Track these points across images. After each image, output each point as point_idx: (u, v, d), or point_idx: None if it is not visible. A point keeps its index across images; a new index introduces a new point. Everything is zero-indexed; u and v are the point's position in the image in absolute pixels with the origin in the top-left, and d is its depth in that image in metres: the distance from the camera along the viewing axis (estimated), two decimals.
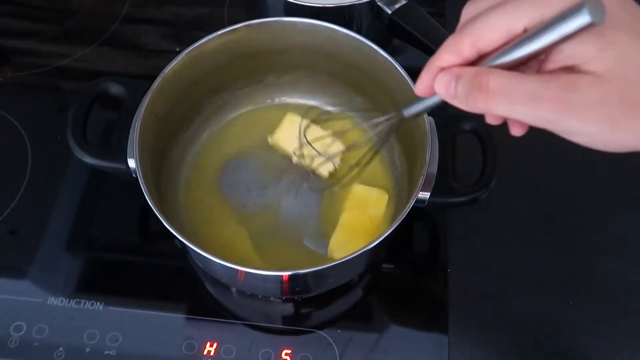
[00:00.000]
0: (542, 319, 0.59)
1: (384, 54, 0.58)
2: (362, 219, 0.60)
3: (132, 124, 0.55)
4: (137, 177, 0.52)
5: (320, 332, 0.57)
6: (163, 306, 0.58)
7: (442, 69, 0.36)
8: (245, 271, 0.49)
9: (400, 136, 0.63)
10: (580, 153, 0.69)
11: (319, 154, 0.58)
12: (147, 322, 0.58)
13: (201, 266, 0.59)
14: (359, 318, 0.59)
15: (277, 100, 0.69)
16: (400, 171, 0.63)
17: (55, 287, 0.59)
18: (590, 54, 0.32)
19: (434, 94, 0.38)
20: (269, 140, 0.64)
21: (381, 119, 0.47)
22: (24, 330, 0.57)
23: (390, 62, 0.58)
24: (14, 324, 0.57)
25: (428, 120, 0.54)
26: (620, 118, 0.32)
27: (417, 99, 0.42)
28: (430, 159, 0.53)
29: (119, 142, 0.55)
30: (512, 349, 0.58)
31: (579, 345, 0.58)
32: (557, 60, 0.33)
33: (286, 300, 0.60)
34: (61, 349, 0.56)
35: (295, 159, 0.62)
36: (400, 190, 0.62)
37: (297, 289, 0.57)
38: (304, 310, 0.60)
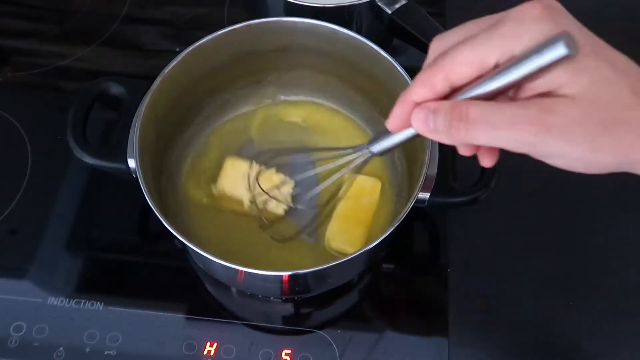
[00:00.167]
0: (542, 319, 0.59)
1: (384, 54, 0.58)
2: (357, 208, 0.60)
3: (132, 124, 0.55)
4: (137, 177, 0.52)
5: (320, 332, 0.57)
6: (163, 306, 0.58)
7: (417, 104, 0.37)
8: (245, 271, 0.49)
9: None
10: None
11: (274, 198, 0.57)
12: (147, 322, 0.58)
13: (201, 266, 0.59)
14: (359, 318, 0.59)
15: (277, 100, 0.69)
16: (400, 171, 0.63)
17: (55, 287, 0.59)
18: (563, 79, 0.33)
19: (406, 127, 0.39)
20: (213, 190, 0.61)
21: (349, 157, 0.47)
22: (24, 330, 0.57)
23: (390, 62, 0.58)
24: (14, 324, 0.57)
25: None
26: (598, 137, 0.33)
27: (386, 134, 0.42)
28: (430, 159, 0.53)
29: (119, 142, 0.55)
30: (512, 349, 0.58)
31: (579, 345, 0.58)
32: (532, 88, 0.34)
33: (286, 300, 0.60)
34: (61, 349, 0.56)
35: (246, 204, 0.60)
36: (400, 190, 0.62)
37: (297, 289, 0.57)
38: (304, 310, 0.60)
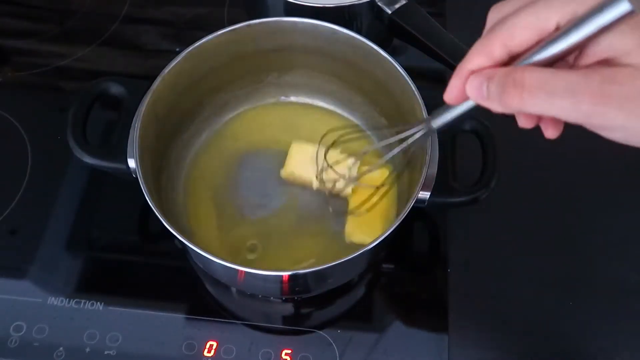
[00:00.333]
0: (542, 319, 0.59)
1: (384, 54, 0.58)
2: (373, 198, 0.60)
3: (132, 124, 0.55)
4: (137, 177, 0.52)
5: (320, 332, 0.57)
6: (163, 306, 0.58)
7: (473, 72, 0.36)
8: (245, 271, 0.49)
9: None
10: (580, 153, 0.69)
11: (341, 177, 0.57)
12: (147, 322, 0.58)
13: (201, 266, 0.59)
14: (359, 318, 0.59)
15: (277, 100, 0.69)
16: (400, 171, 0.63)
17: (55, 287, 0.59)
18: (628, 47, 0.31)
19: (465, 99, 0.37)
20: (282, 173, 0.62)
21: (407, 133, 0.45)
22: (24, 330, 0.57)
23: (390, 62, 0.58)
24: (14, 324, 0.57)
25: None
26: None
27: (444, 107, 0.41)
28: (430, 159, 0.53)
29: (119, 142, 0.55)
30: (512, 349, 0.58)
31: (579, 345, 0.58)
32: (593, 53, 0.33)
33: (286, 300, 0.60)
34: (61, 349, 0.56)
35: (316, 185, 0.60)
36: (400, 191, 0.62)
37: (297, 289, 0.57)
38: (304, 310, 0.60)
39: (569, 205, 0.65)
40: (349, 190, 0.60)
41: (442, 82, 0.71)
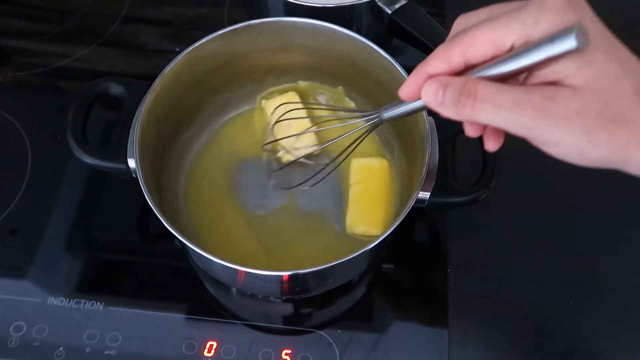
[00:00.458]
0: (542, 319, 0.59)
1: (384, 54, 0.58)
2: (370, 189, 0.61)
3: (132, 124, 0.55)
4: (137, 177, 0.52)
5: (320, 332, 0.57)
6: (163, 306, 0.58)
7: (430, 76, 0.38)
8: (245, 271, 0.49)
9: (400, 136, 0.63)
10: None
11: (283, 148, 0.59)
12: (147, 322, 0.58)
13: (201, 266, 0.59)
14: (359, 318, 0.59)
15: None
16: (400, 171, 0.63)
17: (55, 287, 0.59)
18: (570, 71, 0.34)
19: (417, 98, 0.40)
20: (262, 102, 0.65)
21: (360, 119, 0.49)
22: (24, 330, 0.57)
23: (390, 62, 0.58)
24: (14, 324, 0.57)
25: (428, 120, 0.54)
26: (595, 129, 0.34)
27: (397, 102, 0.44)
28: (430, 159, 0.53)
29: (119, 142, 0.55)
30: (512, 348, 0.58)
31: (579, 345, 0.58)
32: (541, 75, 0.35)
33: (286, 300, 0.60)
34: (61, 349, 0.56)
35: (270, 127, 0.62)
36: (400, 190, 0.62)
37: (297, 289, 0.57)
38: (304, 310, 0.60)
39: (569, 205, 0.65)
40: (285, 159, 0.62)
41: None
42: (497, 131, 0.40)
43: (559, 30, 0.33)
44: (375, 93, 0.63)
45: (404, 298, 0.61)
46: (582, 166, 0.37)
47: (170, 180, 0.62)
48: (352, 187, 0.61)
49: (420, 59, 0.63)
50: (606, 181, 0.66)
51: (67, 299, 0.59)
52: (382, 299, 0.61)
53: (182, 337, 0.57)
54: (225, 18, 0.78)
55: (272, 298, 0.60)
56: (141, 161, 0.53)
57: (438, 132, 0.55)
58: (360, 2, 0.65)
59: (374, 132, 0.66)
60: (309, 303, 0.60)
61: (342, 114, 0.61)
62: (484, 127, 0.40)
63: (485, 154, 0.56)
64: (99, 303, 0.58)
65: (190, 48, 0.58)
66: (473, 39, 0.36)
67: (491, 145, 0.41)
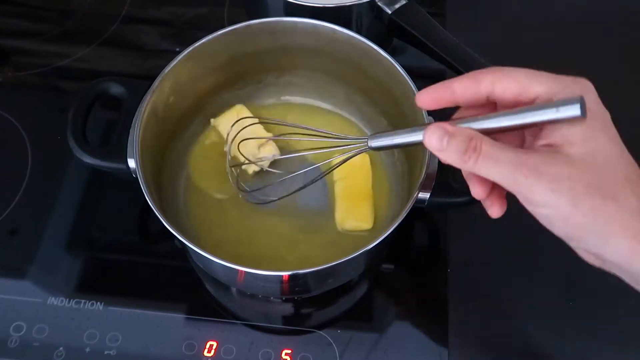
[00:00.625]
0: (542, 319, 0.59)
1: (384, 54, 0.58)
2: (354, 185, 0.61)
3: (132, 124, 0.55)
4: (137, 177, 0.52)
5: (320, 332, 0.57)
6: (163, 306, 0.58)
7: (453, 97, 0.41)
8: (245, 271, 0.49)
9: None
10: None
11: (247, 159, 0.59)
12: (147, 322, 0.58)
13: (201, 266, 0.59)
14: (359, 318, 0.59)
15: (277, 100, 0.69)
16: (400, 171, 0.63)
17: (55, 287, 0.59)
18: (575, 139, 0.37)
19: (430, 107, 0.42)
20: (212, 122, 0.65)
21: (348, 146, 0.50)
22: (24, 330, 0.57)
23: (390, 62, 0.58)
24: (14, 324, 0.57)
25: (428, 121, 0.54)
26: (582, 196, 0.36)
27: (389, 132, 0.45)
28: (430, 159, 0.53)
29: (119, 142, 0.55)
30: (512, 348, 0.58)
31: (579, 345, 0.58)
32: (545, 135, 0.38)
33: (286, 300, 0.60)
34: (61, 349, 0.56)
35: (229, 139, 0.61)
36: (400, 190, 0.62)
37: (297, 289, 0.57)
38: (304, 310, 0.60)
39: None
40: (250, 170, 0.62)
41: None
42: (501, 196, 0.43)
43: (566, 98, 0.37)
44: (375, 93, 0.63)
45: (404, 298, 0.61)
46: (563, 237, 0.40)
47: (170, 180, 0.62)
48: (336, 183, 0.61)
49: (421, 58, 0.63)
50: None
51: (67, 299, 0.59)
52: (382, 299, 0.61)
53: (182, 337, 0.57)
54: (225, 18, 0.78)
55: (272, 298, 0.60)
56: (141, 161, 0.53)
57: None
58: (360, 2, 0.65)
59: (365, 128, 0.67)
60: (309, 303, 0.60)
61: (329, 139, 0.57)
62: (490, 191, 0.43)
63: None
64: (99, 303, 0.58)
65: (190, 48, 0.58)
66: (507, 75, 0.39)
67: (495, 210, 0.44)
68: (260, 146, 0.61)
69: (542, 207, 0.38)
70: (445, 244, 0.62)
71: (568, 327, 0.59)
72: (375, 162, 0.64)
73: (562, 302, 0.60)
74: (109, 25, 0.78)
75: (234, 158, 0.61)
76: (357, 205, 0.60)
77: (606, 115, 0.39)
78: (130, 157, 0.54)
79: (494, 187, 0.42)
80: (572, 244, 0.40)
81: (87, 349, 0.56)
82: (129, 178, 0.55)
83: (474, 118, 0.41)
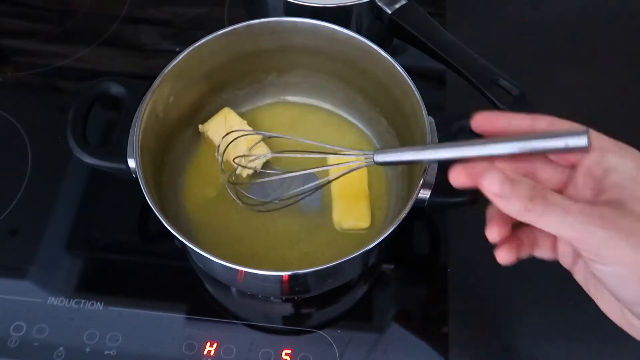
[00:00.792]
0: (542, 319, 0.59)
1: (384, 54, 0.58)
2: (351, 183, 0.61)
3: (132, 124, 0.55)
4: (137, 177, 0.52)
5: (320, 332, 0.58)
6: (163, 306, 0.58)
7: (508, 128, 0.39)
8: (245, 271, 0.49)
9: (400, 136, 0.63)
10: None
11: (238, 164, 0.59)
12: (147, 322, 0.58)
13: (201, 266, 0.59)
14: (359, 318, 0.59)
15: (277, 100, 0.69)
16: (400, 171, 0.63)
17: (55, 287, 0.59)
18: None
19: (468, 186, 0.39)
20: (200, 128, 0.64)
21: (351, 158, 0.50)
22: (24, 330, 0.57)
23: (390, 62, 0.58)
24: (14, 324, 0.57)
25: (428, 120, 0.54)
26: None
27: (394, 149, 0.45)
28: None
29: (119, 142, 0.55)
30: (512, 348, 0.58)
31: (579, 345, 0.58)
32: (609, 189, 0.36)
33: (286, 300, 0.60)
34: (61, 349, 0.56)
35: (221, 150, 0.61)
36: (400, 190, 0.62)
37: (297, 289, 0.57)
38: (304, 310, 0.60)
39: None
40: (244, 174, 0.62)
41: (442, 82, 0.72)
42: (517, 244, 0.40)
43: (573, 130, 0.36)
44: (375, 93, 0.63)
45: (404, 298, 0.61)
46: (629, 299, 0.36)
47: (170, 180, 0.62)
48: (332, 183, 0.61)
49: (421, 58, 0.63)
50: None
51: (67, 299, 0.59)
52: (382, 299, 0.61)
53: (182, 337, 0.57)
54: (225, 18, 0.78)
55: (272, 298, 0.60)
56: (141, 161, 0.53)
57: (438, 132, 0.55)
58: (360, 2, 0.65)
59: (365, 128, 0.67)
60: (309, 303, 0.60)
61: (335, 153, 0.58)
62: (506, 236, 0.40)
63: None
64: (99, 303, 0.58)
65: (190, 48, 0.58)
66: (553, 122, 0.38)
67: (505, 257, 0.40)
68: (250, 147, 0.61)
69: (615, 264, 0.35)
70: (445, 244, 0.62)
71: (568, 327, 0.59)
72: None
73: (562, 302, 0.60)
74: (109, 25, 0.78)
75: (226, 163, 0.61)
76: (354, 205, 0.60)
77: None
78: (130, 157, 0.54)
79: (512, 234, 0.40)
80: (636, 309, 0.37)
81: (87, 349, 0.56)
82: (129, 178, 0.55)
83: (476, 141, 0.40)
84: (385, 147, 0.47)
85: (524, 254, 0.41)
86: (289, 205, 0.57)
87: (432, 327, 0.58)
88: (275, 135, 0.61)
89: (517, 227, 0.41)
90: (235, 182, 0.60)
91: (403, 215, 0.50)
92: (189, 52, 0.58)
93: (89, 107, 0.57)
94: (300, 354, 0.56)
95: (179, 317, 0.58)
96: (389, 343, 0.57)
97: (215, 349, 0.56)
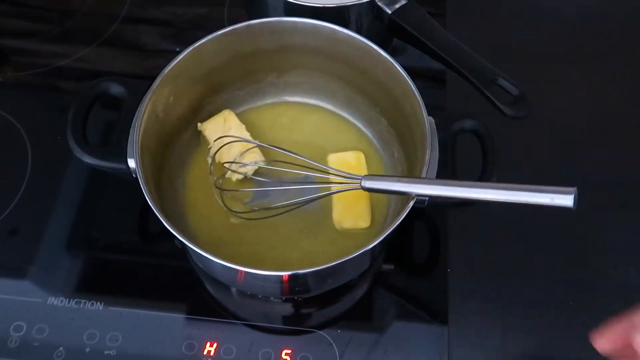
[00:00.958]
0: (542, 320, 0.59)
1: (384, 54, 0.58)
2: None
3: (132, 124, 0.55)
4: (137, 177, 0.52)
5: (320, 332, 0.57)
6: (163, 306, 0.58)
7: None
8: (245, 271, 0.49)
9: (400, 136, 0.63)
10: (580, 153, 0.69)
11: (229, 169, 0.60)
12: (147, 322, 0.58)
13: (201, 266, 0.59)
14: (359, 318, 0.59)
15: (277, 100, 0.69)
16: (400, 171, 0.63)
17: (55, 287, 0.59)
18: None
19: (609, 350, 0.40)
20: (198, 125, 0.64)
21: (340, 181, 0.52)
22: (24, 330, 0.57)
23: (390, 62, 0.58)
24: (14, 324, 0.57)
25: (428, 120, 0.54)
26: None
27: (383, 177, 0.48)
28: (430, 159, 0.53)
29: (119, 142, 0.55)
30: (512, 349, 0.58)
31: (579, 345, 0.58)
32: None
33: (286, 300, 0.60)
34: (61, 349, 0.56)
35: (212, 152, 0.62)
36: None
37: (297, 289, 0.57)
38: (304, 310, 0.60)
39: None
40: (233, 178, 0.62)
41: (442, 82, 0.72)
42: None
43: (562, 188, 0.38)
44: (375, 93, 0.63)
45: (404, 298, 0.61)
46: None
47: (170, 180, 0.62)
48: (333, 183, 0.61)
49: (421, 58, 0.63)
50: (606, 181, 0.67)
51: (67, 299, 0.59)
52: (382, 299, 0.61)
53: (182, 337, 0.57)
54: (225, 18, 0.78)
55: (272, 298, 0.60)
56: (141, 161, 0.53)
57: (438, 132, 0.55)
58: (360, 2, 0.65)
59: (365, 128, 0.67)
60: (309, 303, 0.60)
61: (322, 174, 0.58)
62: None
63: (485, 154, 0.56)
64: (99, 303, 0.58)
65: (190, 48, 0.58)
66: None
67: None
68: (242, 152, 0.61)
69: None
70: (445, 244, 0.62)
71: (568, 327, 0.59)
72: (374, 162, 0.64)
73: (561, 302, 0.60)
74: (109, 25, 0.78)
75: (217, 166, 0.61)
76: (354, 205, 0.60)
77: None
78: (130, 157, 0.54)
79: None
80: None
81: (87, 349, 0.56)
82: (129, 178, 0.55)
83: (465, 183, 0.42)
84: (374, 174, 0.49)
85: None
86: (273, 216, 0.58)
87: (432, 326, 0.58)
88: (267, 145, 0.60)
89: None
90: (221, 188, 0.60)
91: (403, 215, 0.50)
92: (189, 52, 0.58)
93: (89, 107, 0.57)
94: (300, 354, 0.56)
95: (179, 317, 0.58)
96: (389, 343, 0.57)
97: (215, 349, 0.56)
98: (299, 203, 0.57)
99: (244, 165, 0.61)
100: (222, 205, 0.59)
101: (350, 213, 0.60)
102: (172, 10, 0.80)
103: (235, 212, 0.59)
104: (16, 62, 0.75)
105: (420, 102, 0.55)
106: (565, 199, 0.38)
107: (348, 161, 0.63)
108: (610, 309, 0.60)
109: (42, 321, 0.57)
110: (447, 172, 0.55)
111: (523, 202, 0.39)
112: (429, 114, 0.54)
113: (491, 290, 0.60)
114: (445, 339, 0.57)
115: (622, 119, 0.70)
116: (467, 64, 0.59)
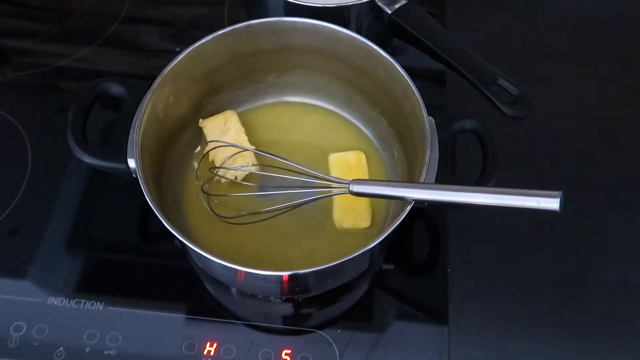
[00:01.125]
0: (542, 320, 0.59)
1: (384, 54, 0.58)
2: None
3: (132, 124, 0.55)
4: (137, 177, 0.52)
5: (320, 332, 0.57)
6: (163, 306, 0.58)
7: None
8: (245, 271, 0.49)
9: (400, 136, 0.63)
10: (580, 153, 0.69)
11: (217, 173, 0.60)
12: (147, 322, 0.58)
13: (201, 266, 0.59)
14: (359, 318, 0.59)
15: (277, 100, 0.69)
16: (400, 171, 0.63)
17: (55, 287, 0.59)
18: None
19: None
20: (200, 122, 0.64)
21: (327, 186, 0.52)
22: (24, 330, 0.57)
23: (390, 62, 0.58)
24: (14, 324, 0.57)
25: (428, 120, 0.54)
26: None
27: (372, 181, 0.48)
28: (430, 159, 0.53)
29: (119, 142, 0.55)
30: (512, 348, 0.58)
31: (578, 345, 0.58)
32: None
33: (286, 300, 0.60)
34: (61, 349, 0.56)
35: (199, 157, 0.62)
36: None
37: (297, 289, 0.57)
38: (304, 310, 0.60)
39: (569, 205, 0.65)
40: (223, 179, 0.62)
41: (442, 82, 0.72)
42: None
43: (548, 192, 0.39)
44: (375, 93, 0.63)
45: (404, 298, 0.61)
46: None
47: (170, 180, 0.62)
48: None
49: (421, 58, 0.64)
50: (606, 181, 0.67)
51: (67, 299, 0.59)
52: (382, 299, 0.61)
53: (182, 337, 0.57)
54: (225, 18, 0.78)
55: (272, 298, 0.60)
56: (141, 161, 0.53)
57: (438, 132, 0.55)
58: (360, 2, 0.65)
59: (365, 128, 0.67)
60: (309, 303, 0.60)
61: (311, 178, 0.58)
62: None
63: (485, 154, 0.56)
64: (99, 303, 0.58)
65: (190, 48, 0.58)
66: None
67: None
68: (233, 155, 0.61)
69: None
70: (445, 244, 0.62)
71: (567, 327, 0.59)
72: (374, 162, 0.64)
73: (562, 302, 0.60)
74: (109, 25, 0.78)
75: (203, 170, 0.61)
76: (354, 205, 0.60)
77: None
78: (130, 157, 0.54)
79: None
80: None
81: (87, 349, 0.56)
82: (129, 178, 0.55)
83: (453, 187, 0.43)
84: (362, 179, 0.50)
85: None
86: (261, 220, 0.58)
87: (432, 326, 0.58)
88: (259, 151, 0.61)
89: None
90: (208, 192, 0.60)
91: (403, 215, 0.50)
92: (189, 52, 0.58)
93: (89, 107, 0.57)
94: (300, 354, 0.56)
95: (179, 317, 0.58)
96: (389, 343, 0.57)
97: (215, 349, 0.56)
98: (287, 208, 0.57)
99: (231, 170, 0.61)
100: (209, 209, 0.59)
101: (351, 213, 0.60)
102: (172, 10, 0.80)
103: (222, 217, 0.59)
104: (16, 62, 0.75)
105: (420, 102, 0.55)
106: (551, 203, 0.39)
107: (349, 161, 0.63)
108: (611, 309, 0.60)
109: (42, 321, 0.57)
110: (447, 172, 0.55)
111: (510, 205, 0.40)
112: (429, 114, 0.54)
113: (491, 290, 0.60)
114: (445, 339, 0.57)
115: (622, 119, 0.70)
116: (467, 64, 0.59)
